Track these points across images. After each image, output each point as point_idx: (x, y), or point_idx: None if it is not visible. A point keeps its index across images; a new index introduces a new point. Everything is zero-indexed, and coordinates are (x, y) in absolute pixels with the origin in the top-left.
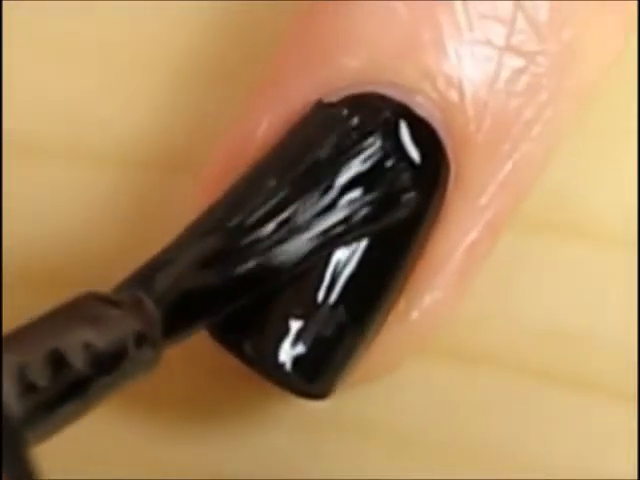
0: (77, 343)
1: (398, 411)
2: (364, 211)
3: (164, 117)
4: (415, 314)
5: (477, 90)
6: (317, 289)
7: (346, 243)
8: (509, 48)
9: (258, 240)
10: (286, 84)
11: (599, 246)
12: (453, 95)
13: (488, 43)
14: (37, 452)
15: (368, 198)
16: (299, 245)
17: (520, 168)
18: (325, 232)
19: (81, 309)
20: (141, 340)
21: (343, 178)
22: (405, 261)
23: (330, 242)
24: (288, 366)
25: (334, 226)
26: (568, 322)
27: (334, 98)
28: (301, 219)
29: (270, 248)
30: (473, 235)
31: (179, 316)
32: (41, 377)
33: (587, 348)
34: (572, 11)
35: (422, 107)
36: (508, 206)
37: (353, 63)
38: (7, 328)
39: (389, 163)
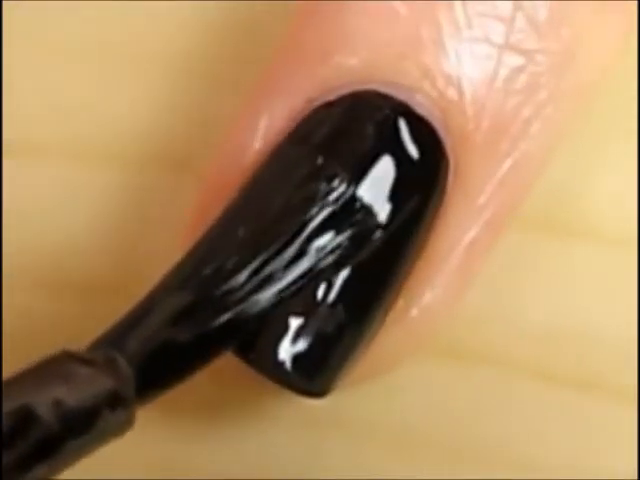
0: (48, 400)
1: (398, 411)
2: (334, 255)
3: (164, 117)
4: (415, 312)
5: (476, 89)
6: (316, 287)
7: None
8: (508, 46)
9: (230, 292)
10: (285, 83)
11: (599, 246)
12: (452, 94)
13: (487, 41)
14: None
15: (338, 241)
16: (272, 294)
17: (519, 167)
18: (296, 280)
19: (54, 367)
20: (114, 399)
21: (313, 223)
22: (404, 260)
23: (299, 289)
24: (288, 364)
25: (305, 274)
26: (568, 322)
27: (332, 97)
28: (271, 269)
29: (242, 300)
30: (472, 234)
31: (152, 375)
32: (9, 434)
33: (587, 348)
34: (572, 10)
35: (421, 106)
36: (507, 205)
37: (352, 62)
38: (7, 328)
39: (358, 204)
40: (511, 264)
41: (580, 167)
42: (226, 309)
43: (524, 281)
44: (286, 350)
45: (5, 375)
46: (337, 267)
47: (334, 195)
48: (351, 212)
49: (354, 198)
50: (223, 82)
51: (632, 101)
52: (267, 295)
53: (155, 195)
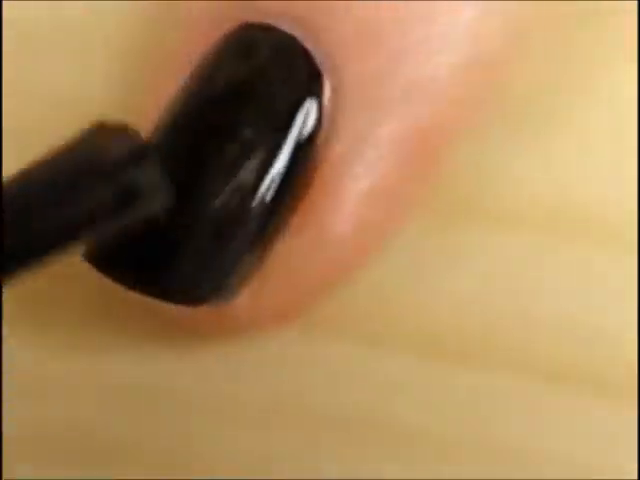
0: None
1: (398, 411)
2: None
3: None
4: (325, 237)
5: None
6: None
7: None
8: None
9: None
10: None
11: (599, 246)
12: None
13: None
14: None
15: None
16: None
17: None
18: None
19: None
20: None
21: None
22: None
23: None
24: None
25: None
26: (569, 322)
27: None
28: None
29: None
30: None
31: None
32: None
33: (587, 348)
34: None
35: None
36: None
37: None
38: (7, 329)
39: None
40: (511, 264)
41: (580, 167)
42: None
43: (524, 281)
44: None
45: None
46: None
47: None
48: None
49: None
50: None
51: (632, 101)
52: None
53: None
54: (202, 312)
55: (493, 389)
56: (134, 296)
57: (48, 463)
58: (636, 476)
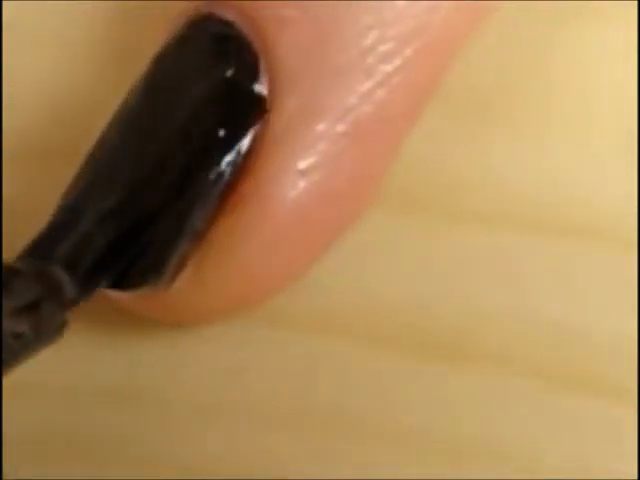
0: None
1: (398, 411)
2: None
3: None
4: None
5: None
6: None
7: None
8: None
9: (151, 191)
10: None
11: (599, 246)
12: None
13: None
14: None
15: None
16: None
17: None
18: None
19: None
20: (48, 303)
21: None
22: None
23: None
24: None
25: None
26: (568, 322)
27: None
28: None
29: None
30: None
31: (89, 276)
32: None
33: (587, 348)
34: None
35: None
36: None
37: None
38: None
39: None
40: (511, 264)
41: (580, 167)
42: (147, 207)
43: (524, 281)
44: None
45: None
46: None
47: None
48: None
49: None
50: None
51: (632, 101)
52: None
53: None
54: (145, 298)
55: (493, 389)
56: (121, 298)
57: (48, 463)
58: (636, 476)
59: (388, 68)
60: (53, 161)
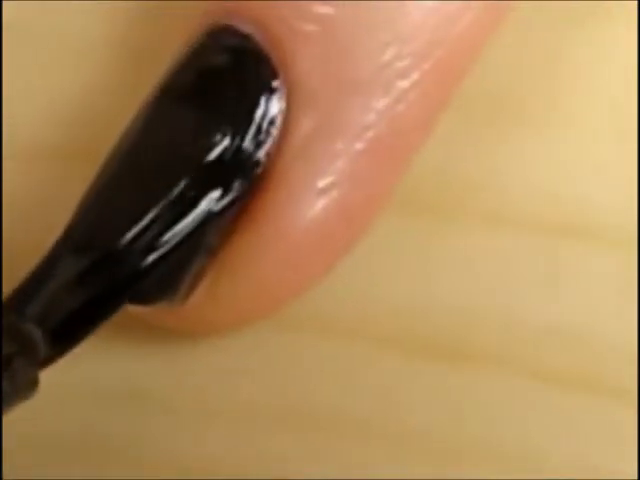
0: None
1: (400, 411)
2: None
3: None
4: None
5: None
6: None
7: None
8: None
9: (126, 248)
10: None
11: (599, 246)
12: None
13: None
14: None
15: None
16: (164, 245)
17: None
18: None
19: None
20: (20, 361)
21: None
22: None
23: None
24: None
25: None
26: (568, 322)
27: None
28: (160, 225)
29: (137, 254)
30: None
31: (60, 334)
32: None
33: (587, 348)
34: None
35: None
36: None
37: None
38: None
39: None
40: (511, 264)
41: (580, 167)
42: (123, 265)
43: (524, 281)
44: None
45: None
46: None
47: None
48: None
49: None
50: None
51: (632, 101)
52: (160, 247)
53: None
54: (159, 310)
55: (493, 389)
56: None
57: (48, 463)
58: (636, 476)
59: (405, 84)
60: (53, 161)
